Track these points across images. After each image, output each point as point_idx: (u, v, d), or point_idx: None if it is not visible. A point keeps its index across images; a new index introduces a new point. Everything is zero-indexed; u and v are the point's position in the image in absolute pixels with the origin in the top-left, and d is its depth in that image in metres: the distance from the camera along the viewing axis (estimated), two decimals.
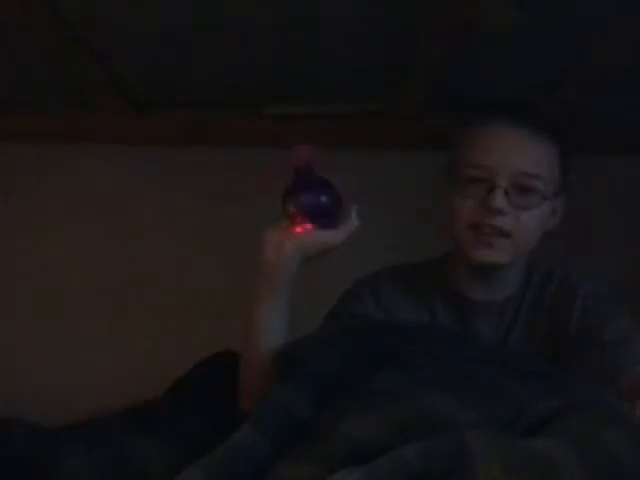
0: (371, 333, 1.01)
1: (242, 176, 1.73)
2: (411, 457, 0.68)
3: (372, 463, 0.69)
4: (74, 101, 1.63)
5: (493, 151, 1.10)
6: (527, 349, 1.17)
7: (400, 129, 1.70)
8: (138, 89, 1.60)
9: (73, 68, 1.42)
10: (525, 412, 0.80)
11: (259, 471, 0.78)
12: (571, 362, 1.11)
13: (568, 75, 1.42)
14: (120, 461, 1.12)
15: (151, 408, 1.31)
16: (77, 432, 1.22)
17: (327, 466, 0.73)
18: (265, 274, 1.05)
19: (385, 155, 1.72)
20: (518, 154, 1.10)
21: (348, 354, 0.93)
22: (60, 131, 1.72)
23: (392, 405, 0.80)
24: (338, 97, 1.63)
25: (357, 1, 1.14)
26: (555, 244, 1.19)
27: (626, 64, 1.32)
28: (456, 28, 1.17)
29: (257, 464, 0.80)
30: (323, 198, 1.04)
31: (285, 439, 0.82)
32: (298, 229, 1.04)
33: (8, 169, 1.78)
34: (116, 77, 1.49)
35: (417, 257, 1.28)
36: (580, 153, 1.19)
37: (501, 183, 1.08)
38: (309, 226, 1.04)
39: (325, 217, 1.05)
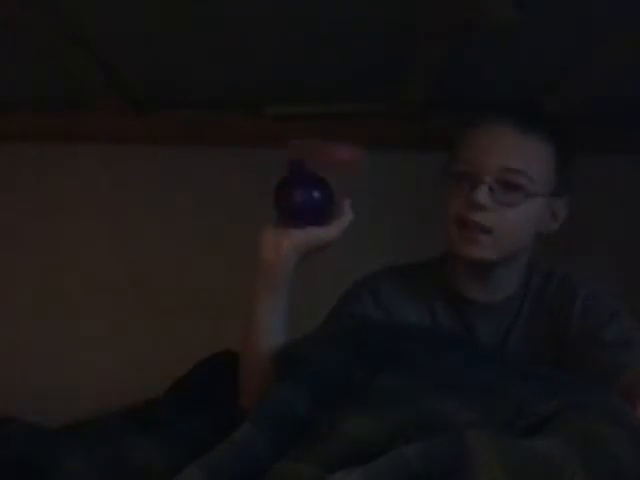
0: (371, 333, 1.01)
1: (242, 176, 1.73)
2: (411, 457, 0.68)
3: (372, 463, 0.68)
4: (74, 101, 1.63)
5: (478, 147, 1.11)
6: (527, 349, 1.17)
7: (400, 129, 1.70)
8: (138, 89, 1.60)
9: (73, 68, 1.42)
10: (525, 412, 0.80)
11: (259, 471, 0.78)
12: (571, 362, 1.12)
13: (568, 75, 1.42)
14: (120, 461, 1.12)
15: (151, 408, 1.31)
16: (77, 432, 1.21)
17: (327, 466, 0.73)
18: (263, 273, 1.05)
19: (385, 155, 1.72)
20: (502, 150, 1.10)
21: (348, 354, 0.92)
22: (60, 131, 1.72)
23: (392, 405, 0.80)
24: (338, 97, 1.63)
25: (357, 1, 1.14)
26: (555, 244, 1.19)
27: (626, 64, 1.32)
28: (456, 28, 1.17)
29: (257, 464, 0.79)
30: (315, 194, 1.04)
31: (285, 439, 0.82)
32: (289, 225, 1.04)
33: (8, 169, 1.78)
34: (116, 77, 1.49)
35: (417, 257, 1.28)
36: (580, 153, 1.19)
37: (485, 179, 1.09)
38: (300, 222, 1.04)
39: (317, 213, 1.04)
